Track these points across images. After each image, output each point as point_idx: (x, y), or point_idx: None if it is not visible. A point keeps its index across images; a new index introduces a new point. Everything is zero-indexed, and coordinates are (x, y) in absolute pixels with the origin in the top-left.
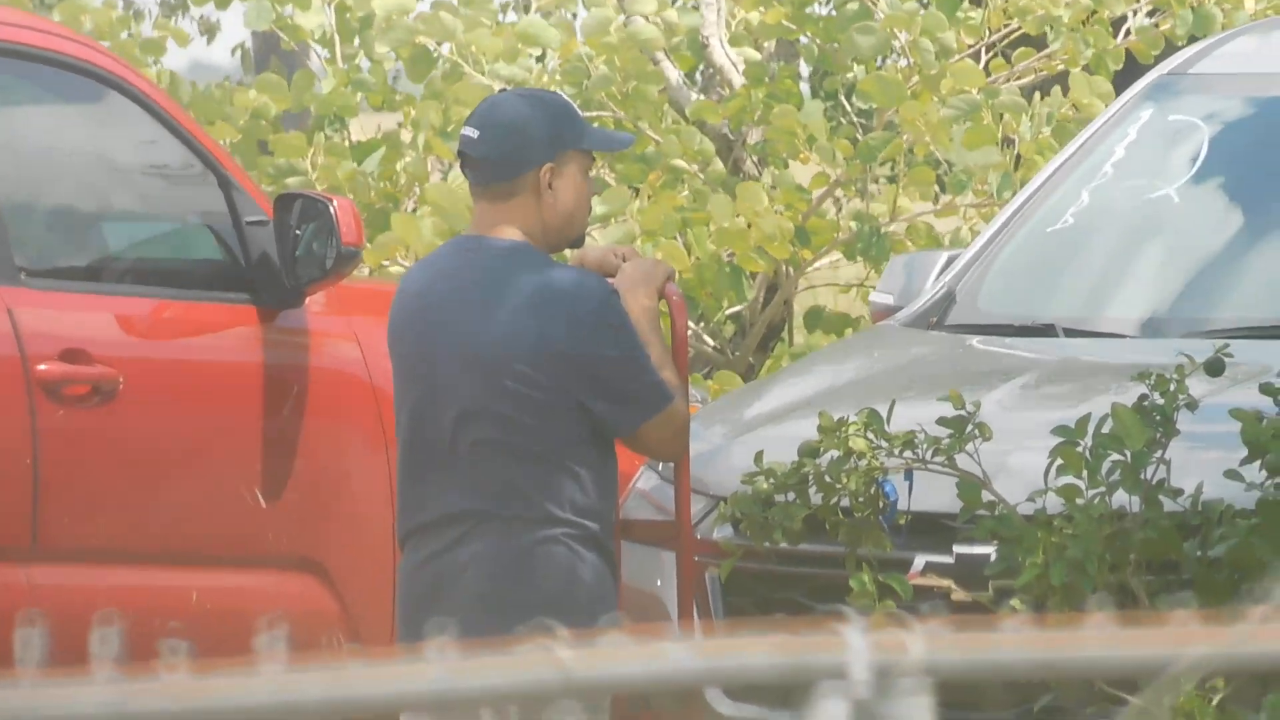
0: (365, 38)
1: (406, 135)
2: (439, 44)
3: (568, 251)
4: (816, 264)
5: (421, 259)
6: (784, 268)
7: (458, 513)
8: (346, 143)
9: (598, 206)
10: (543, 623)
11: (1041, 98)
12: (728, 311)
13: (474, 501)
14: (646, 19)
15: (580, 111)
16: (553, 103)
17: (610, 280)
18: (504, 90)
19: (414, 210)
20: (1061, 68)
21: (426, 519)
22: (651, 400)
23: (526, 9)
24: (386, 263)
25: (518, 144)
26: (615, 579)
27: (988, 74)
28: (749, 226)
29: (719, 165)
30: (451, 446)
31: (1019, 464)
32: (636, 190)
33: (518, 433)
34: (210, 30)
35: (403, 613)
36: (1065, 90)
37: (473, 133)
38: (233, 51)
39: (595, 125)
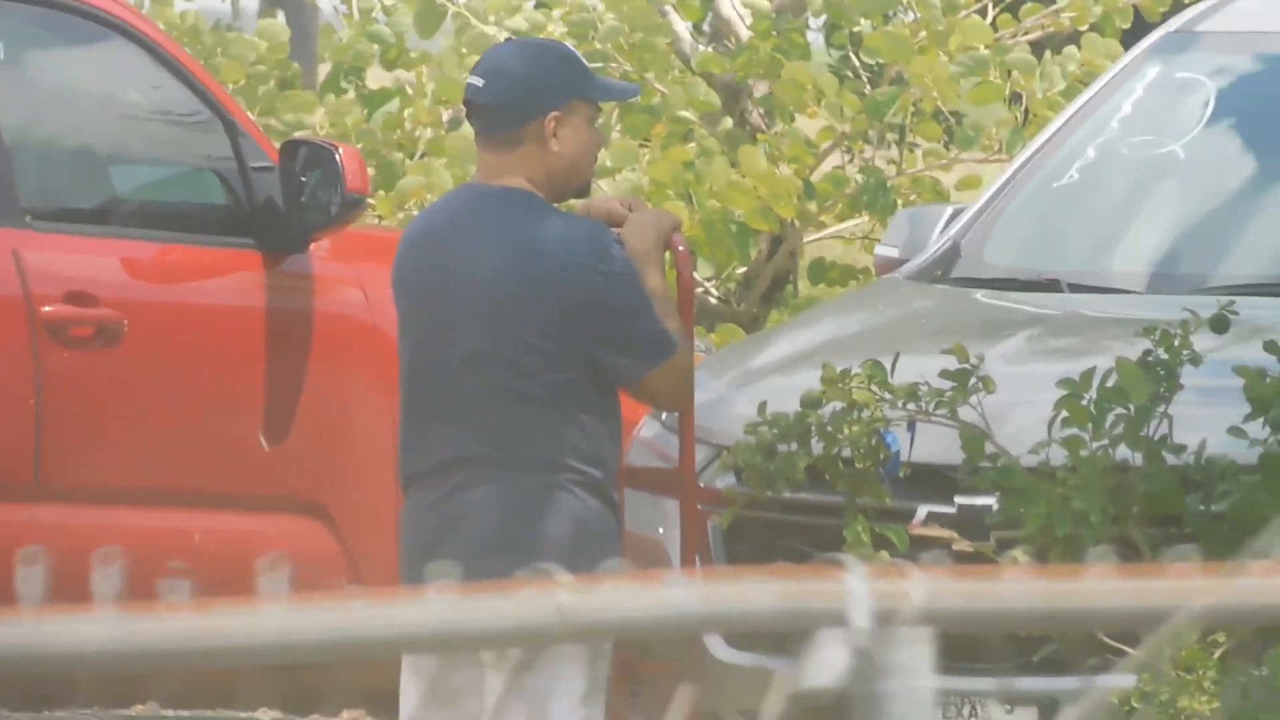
0: None
1: (417, 85)
2: None
3: (574, 201)
4: (826, 222)
5: (427, 206)
6: (791, 220)
7: (462, 457)
8: (361, 91)
9: (605, 159)
10: (544, 567)
11: (1051, 55)
12: (733, 263)
13: (479, 446)
14: None
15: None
16: (558, 51)
17: (617, 230)
18: (510, 39)
19: (422, 158)
20: (1069, 25)
21: (431, 463)
22: (656, 349)
23: None
24: (403, 212)
25: (523, 92)
26: (619, 526)
27: (995, 30)
28: (755, 185)
29: (727, 122)
30: (456, 391)
31: (1022, 417)
32: (645, 144)
33: (523, 378)
34: None
35: (406, 557)
36: (1072, 47)
37: (478, 81)
38: None
39: (601, 76)
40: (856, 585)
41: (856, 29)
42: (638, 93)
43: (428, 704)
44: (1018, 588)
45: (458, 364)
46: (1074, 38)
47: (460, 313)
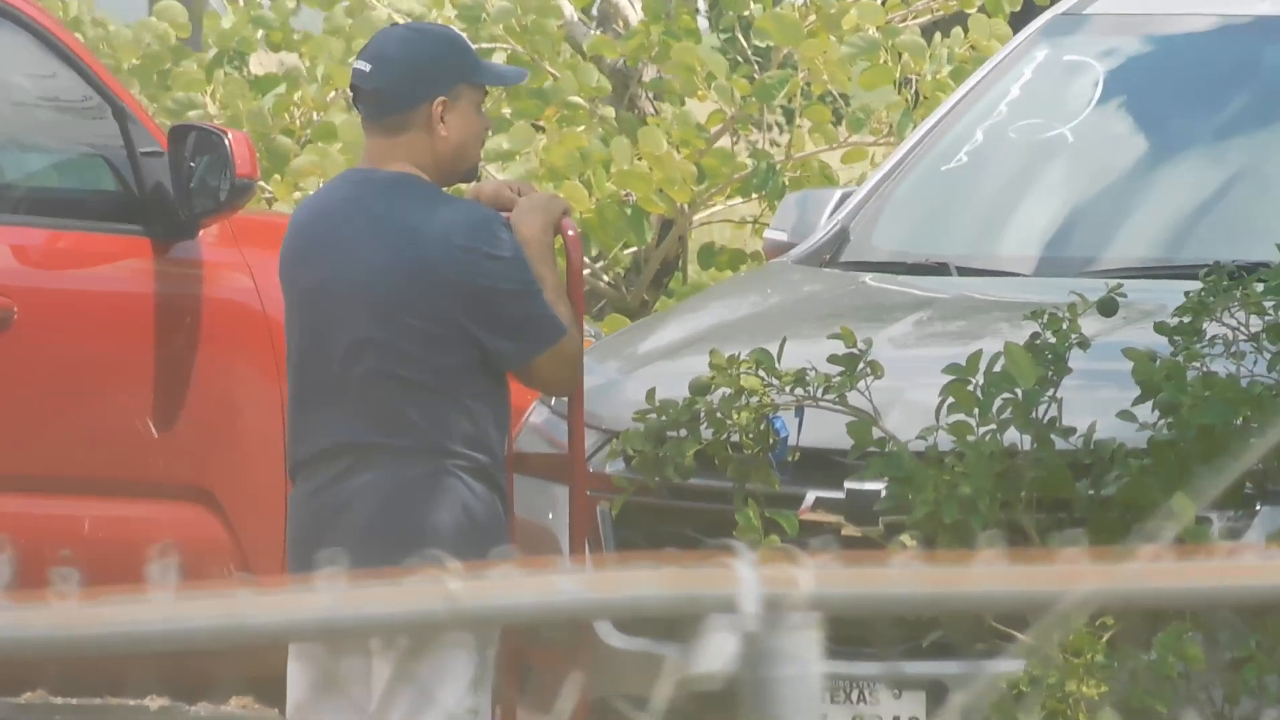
0: None
1: (305, 69)
2: None
3: (463, 186)
4: (714, 203)
5: (313, 192)
6: (681, 205)
7: (347, 443)
8: (246, 78)
9: (501, 143)
10: (432, 554)
11: (941, 38)
12: (620, 247)
13: (363, 433)
14: None
15: (476, 45)
16: (445, 36)
17: (505, 215)
18: (396, 24)
19: (306, 144)
20: (958, 7)
21: (315, 449)
22: (543, 334)
23: None
24: (299, 192)
25: (410, 78)
26: (506, 512)
27: (885, 13)
28: (650, 169)
29: (610, 111)
30: (341, 377)
31: (910, 401)
32: (541, 129)
33: (407, 363)
34: None
35: (292, 544)
36: (959, 28)
37: (365, 66)
38: None
39: (489, 60)
40: (746, 572)
41: (746, 13)
42: (524, 77)
43: (315, 692)
44: (906, 574)
45: (343, 350)
46: (961, 18)
47: (346, 298)
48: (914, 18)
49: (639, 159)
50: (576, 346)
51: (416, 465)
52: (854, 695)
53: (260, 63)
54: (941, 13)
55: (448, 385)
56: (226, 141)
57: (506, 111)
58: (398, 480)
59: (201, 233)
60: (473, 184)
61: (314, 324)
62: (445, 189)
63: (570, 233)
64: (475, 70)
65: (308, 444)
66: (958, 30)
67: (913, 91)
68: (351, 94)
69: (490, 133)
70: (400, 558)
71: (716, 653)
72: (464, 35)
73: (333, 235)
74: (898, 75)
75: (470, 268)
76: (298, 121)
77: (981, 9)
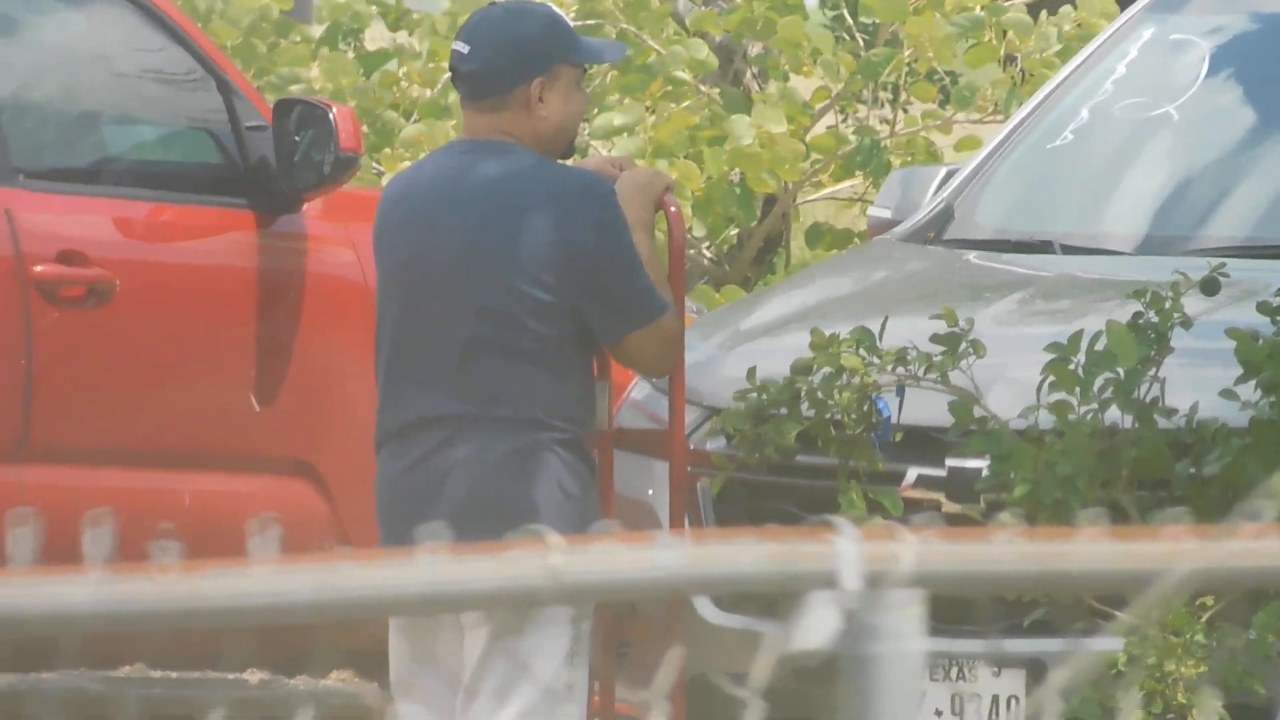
0: None
1: (415, 46)
2: None
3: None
4: (824, 184)
5: (409, 165)
6: (783, 182)
7: (444, 415)
8: (358, 53)
9: (611, 120)
10: (532, 528)
11: (1047, 16)
12: (728, 225)
13: (461, 404)
14: None
15: (583, 22)
16: (543, 15)
17: None
18: (494, 3)
19: (417, 121)
20: None
21: (409, 420)
22: (641, 310)
23: None
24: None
25: (507, 58)
26: (596, 486)
27: None
28: (761, 148)
29: (717, 88)
30: (440, 347)
31: (1012, 380)
32: (650, 109)
33: (509, 331)
34: None
35: (385, 519)
36: (1068, 6)
37: (463, 47)
38: None
39: (588, 36)
40: (847, 547)
41: None
42: (624, 52)
43: (415, 664)
44: (1008, 550)
45: (441, 318)
46: None
47: (447, 266)
48: None
49: (752, 138)
50: (674, 327)
51: (514, 438)
52: (953, 672)
53: (373, 38)
54: None
55: (547, 356)
56: (331, 115)
57: (615, 96)
58: (495, 453)
59: (305, 207)
60: (575, 160)
61: (411, 294)
62: None
63: (672, 209)
64: (573, 49)
65: (400, 415)
66: (1066, 8)
67: (1018, 69)
68: (451, 74)
69: (596, 111)
70: (496, 531)
71: (816, 629)
72: (563, 13)
73: (434, 203)
74: (1002, 53)
75: (578, 230)
76: (405, 97)
77: None
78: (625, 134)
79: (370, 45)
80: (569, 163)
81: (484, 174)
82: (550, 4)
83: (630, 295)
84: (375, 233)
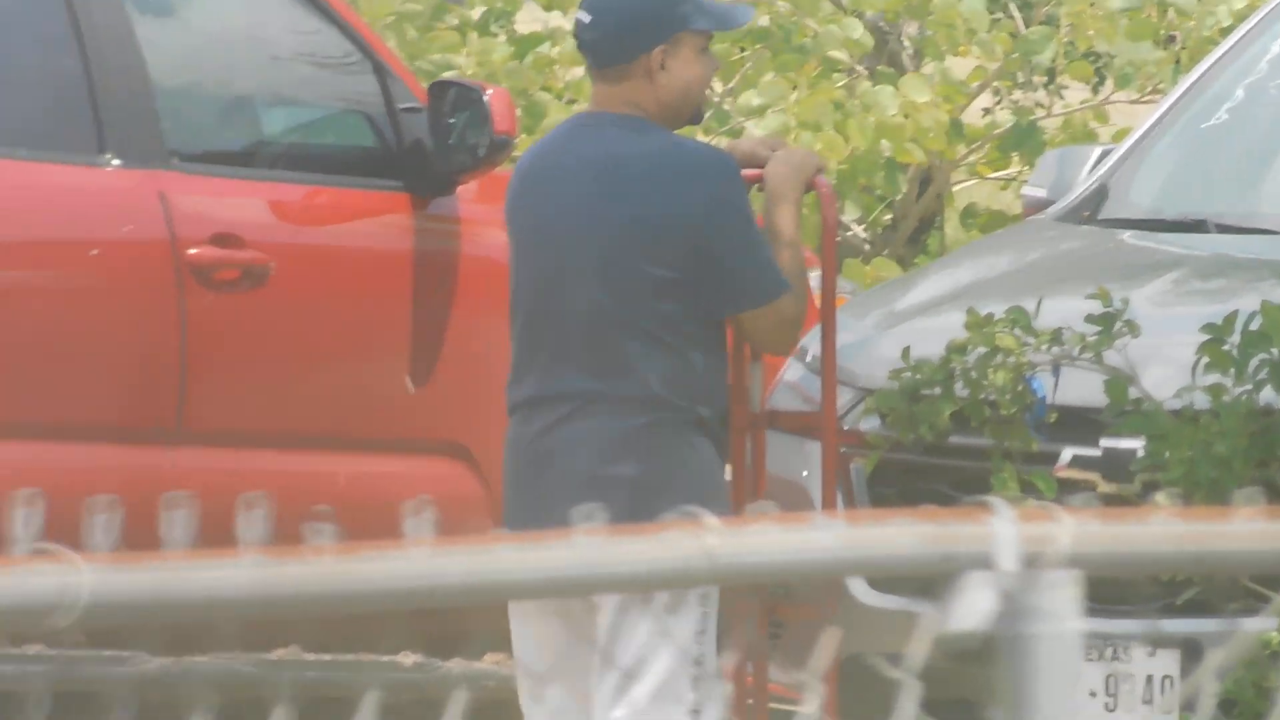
0: None
1: (568, 27)
2: None
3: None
4: (981, 172)
5: (540, 138)
6: (938, 161)
7: (567, 392)
8: (511, 36)
9: (752, 99)
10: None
11: None
12: (880, 204)
13: (585, 381)
14: None
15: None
16: None
17: (758, 171)
18: None
19: (571, 102)
20: None
21: (535, 393)
22: (758, 288)
23: None
24: None
25: (628, 27)
26: (723, 466)
27: None
28: (906, 119)
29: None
30: (565, 323)
31: (1167, 359)
32: (794, 84)
33: (631, 307)
34: None
35: (509, 485)
36: None
37: (585, 16)
38: None
39: (714, 2)
40: (1004, 528)
41: None
42: (749, 17)
43: (548, 646)
44: (1165, 531)
45: (567, 294)
46: None
47: (571, 240)
48: None
49: (896, 109)
50: (794, 309)
51: (636, 416)
52: (1108, 653)
53: (524, 21)
54: None
55: (671, 334)
56: (486, 98)
57: (768, 76)
58: (615, 431)
59: (459, 189)
60: (728, 141)
61: (539, 268)
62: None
63: (824, 189)
64: (695, 16)
65: (527, 387)
66: None
67: (1178, 47)
68: (576, 44)
69: (734, 93)
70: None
71: (972, 610)
72: None
73: (561, 178)
74: (1162, 31)
75: (687, 209)
76: (557, 79)
77: None
78: (767, 112)
79: (522, 29)
80: (726, 143)
81: (603, 148)
82: None
83: (744, 273)
84: (506, 207)
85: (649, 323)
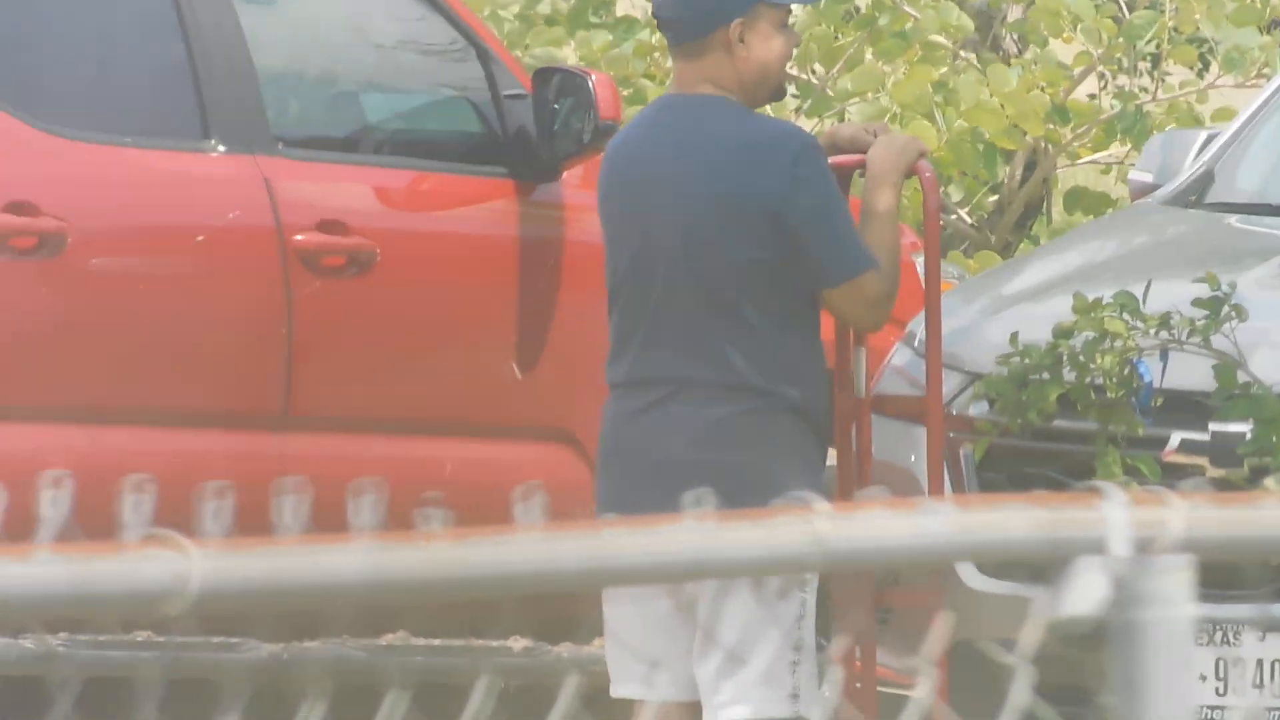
0: None
1: None
2: None
3: (825, 130)
4: (1081, 153)
5: (629, 122)
6: (1043, 145)
7: (660, 375)
8: (609, 21)
9: (848, 83)
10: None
11: None
12: (984, 188)
13: (676, 365)
14: None
15: None
16: None
17: (861, 156)
18: None
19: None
20: None
21: (628, 377)
22: (839, 264)
23: None
24: None
25: (703, 3)
26: (820, 451)
27: None
28: (1002, 105)
29: (974, 54)
30: (657, 308)
31: (1276, 344)
32: (892, 69)
33: (721, 291)
34: None
35: (603, 464)
36: None
37: None
38: None
39: None
40: (1115, 512)
41: None
42: None
43: (634, 628)
44: (1277, 514)
45: (657, 280)
46: None
47: (656, 225)
48: None
49: (989, 95)
50: (879, 287)
51: (728, 402)
52: (1218, 638)
53: (623, 6)
54: None
55: (762, 319)
56: (590, 84)
57: (869, 60)
58: (708, 418)
59: (565, 175)
60: (831, 126)
61: (629, 252)
62: (755, 109)
63: (926, 174)
64: None
65: (622, 369)
66: None
67: None
68: (658, 24)
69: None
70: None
71: (1085, 595)
72: None
73: (645, 161)
74: (1266, 16)
75: (774, 184)
76: (659, 66)
77: None
78: (865, 96)
79: (620, 13)
80: (828, 129)
81: (683, 129)
82: None
83: (824, 249)
84: (598, 192)
85: (737, 306)
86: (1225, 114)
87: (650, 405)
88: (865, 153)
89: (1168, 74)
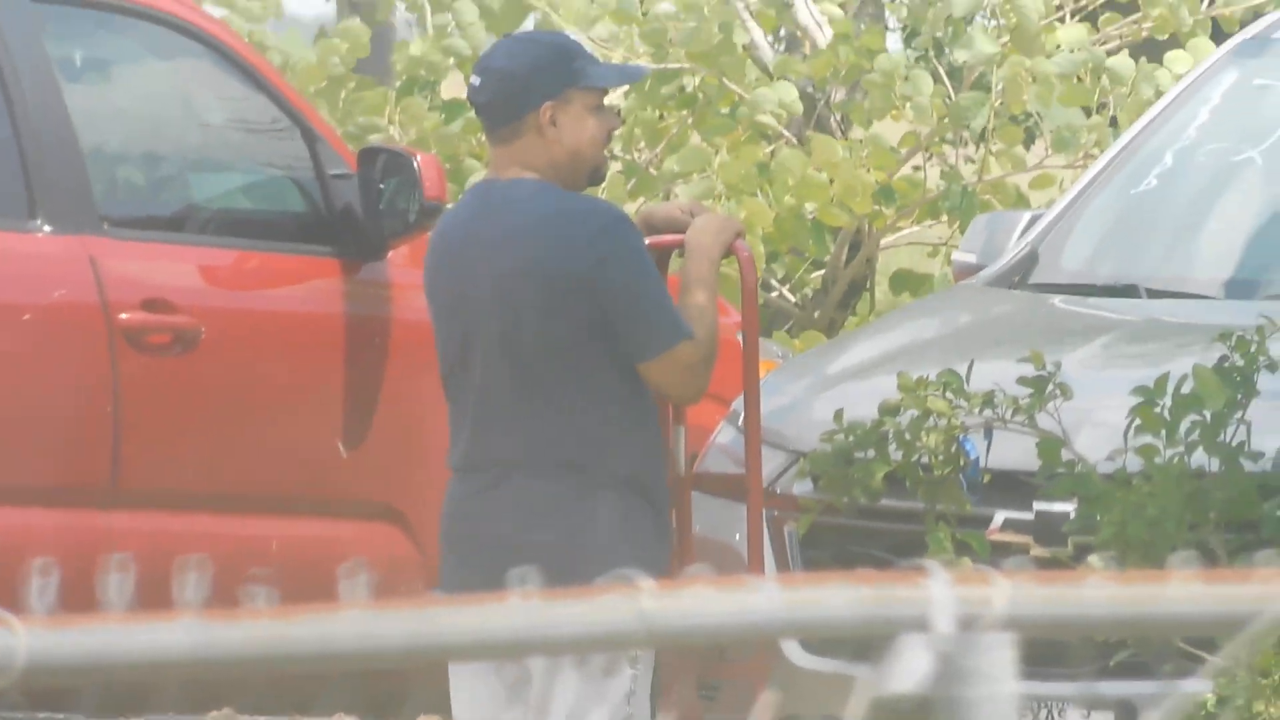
0: (456, 8)
1: None
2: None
3: (635, 209)
4: (903, 225)
5: (451, 206)
6: (867, 225)
7: (491, 457)
8: (436, 103)
9: (674, 164)
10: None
11: (1146, 61)
12: (808, 265)
13: (505, 446)
14: None
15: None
16: (550, 43)
17: (679, 236)
18: (505, 36)
19: None
20: (1146, 35)
21: (465, 459)
22: (654, 336)
23: None
24: None
25: (513, 88)
26: (656, 523)
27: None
28: (830, 181)
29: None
30: (484, 389)
31: (1099, 423)
32: (717, 149)
33: (541, 370)
34: None
35: (442, 547)
36: (1151, 58)
37: (475, 80)
38: None
39: (603, 60)
40: (940, 591)
41: (939, 34)
42: (641, 75)
43: (475, 705)
44: (1100, 593)
45: (481, 361)
46: (1149, 46)
47: (478, 308)
48: (1101, 44)
49: (816, 170)
50: (695, 354)
51: (557, 480)
52: (1043, 714)
53: (449, 88)
54: (1130, 39)
55: (584, 395)
56: (415, 164)
57: (695, 141)
58: (537, 496)
59: (390, 254)
60: (646, 207)
61: (455, 339)
62: (576, 192)
63: (743, 253)
64: (582, 74)
65: (458, 452)
66: (1171, 53)
67: (1110, 114)
68: (473, 110)
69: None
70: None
71: (909, 672)
72: (577, 40)
73: (464, 245)
74: (1095, 98)
75: (583, 259)
76: (486, 145)
77: (1173, 37)
78: (692, 176)
79: (446, 95)
80: (643, 209)
81: (496, 214)
82: (566, 33)
83: (639, 322)
84: (424, 276)
85: (556, 383)
86: (1044, 181)
87: (484, 488)
88: (683, 232)
89: (994, 150)
